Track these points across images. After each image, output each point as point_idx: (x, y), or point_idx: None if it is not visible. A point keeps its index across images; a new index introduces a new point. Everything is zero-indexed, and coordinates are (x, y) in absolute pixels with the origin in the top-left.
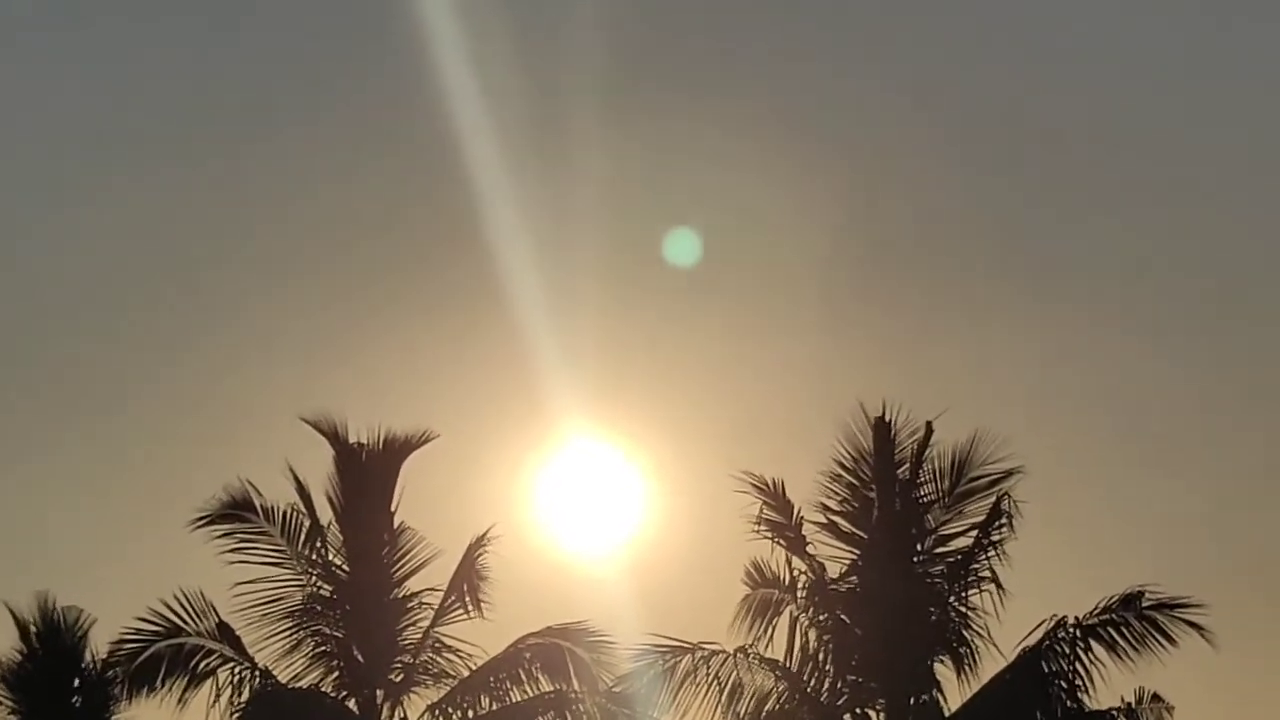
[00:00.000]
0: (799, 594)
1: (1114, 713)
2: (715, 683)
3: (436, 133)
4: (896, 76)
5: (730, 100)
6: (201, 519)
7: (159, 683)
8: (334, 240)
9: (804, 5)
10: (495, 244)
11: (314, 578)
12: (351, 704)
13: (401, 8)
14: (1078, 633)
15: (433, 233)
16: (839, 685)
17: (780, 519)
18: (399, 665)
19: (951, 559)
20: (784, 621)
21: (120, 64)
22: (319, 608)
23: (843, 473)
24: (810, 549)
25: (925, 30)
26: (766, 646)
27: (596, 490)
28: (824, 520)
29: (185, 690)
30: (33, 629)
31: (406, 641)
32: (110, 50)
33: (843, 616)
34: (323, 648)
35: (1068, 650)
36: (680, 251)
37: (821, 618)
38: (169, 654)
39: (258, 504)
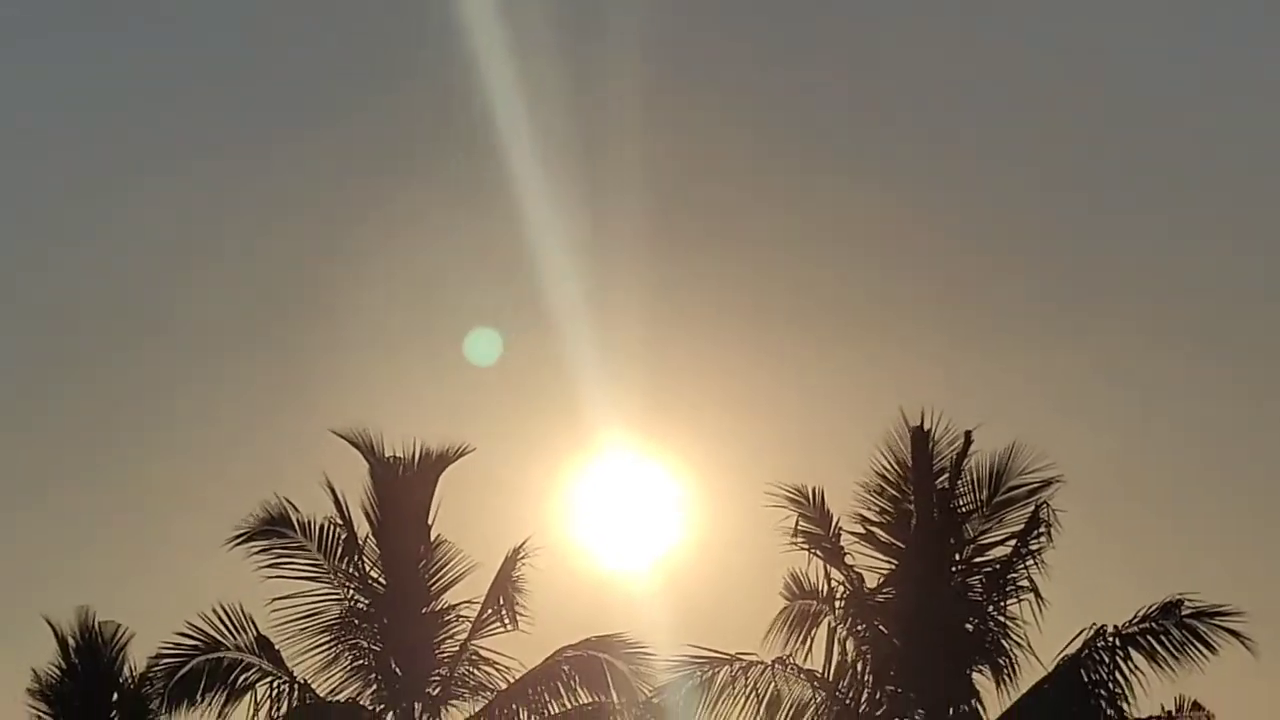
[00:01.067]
0: (837, 605)
1: None
2: (753, 694)
3: (476, 139)
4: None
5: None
6: (239, 536)
7: (198, 697)
8: (367, 249)
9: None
10: (533, 253)
11: (351, 591)
12: (390, 717)
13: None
14: (1117, 642)
15: (469, 243)
16: (878, 696)
17: (817, 530)
18: (437, 678)
19: (990, 569)
20: (822, 632)
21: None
22: (357, 621)
23: (881, 483)
24: (848, 559)
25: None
26: (805, 658)
27: (633, 501)
28: (862, 530)
29: (225, 704)
30: (71, 644)
31: (444, 654)
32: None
33: (881, 627)
34: (361, 661)
35: (1107, 659)
36: None
37: (860, 628)
38: (208, 668)
39: (295, 519)
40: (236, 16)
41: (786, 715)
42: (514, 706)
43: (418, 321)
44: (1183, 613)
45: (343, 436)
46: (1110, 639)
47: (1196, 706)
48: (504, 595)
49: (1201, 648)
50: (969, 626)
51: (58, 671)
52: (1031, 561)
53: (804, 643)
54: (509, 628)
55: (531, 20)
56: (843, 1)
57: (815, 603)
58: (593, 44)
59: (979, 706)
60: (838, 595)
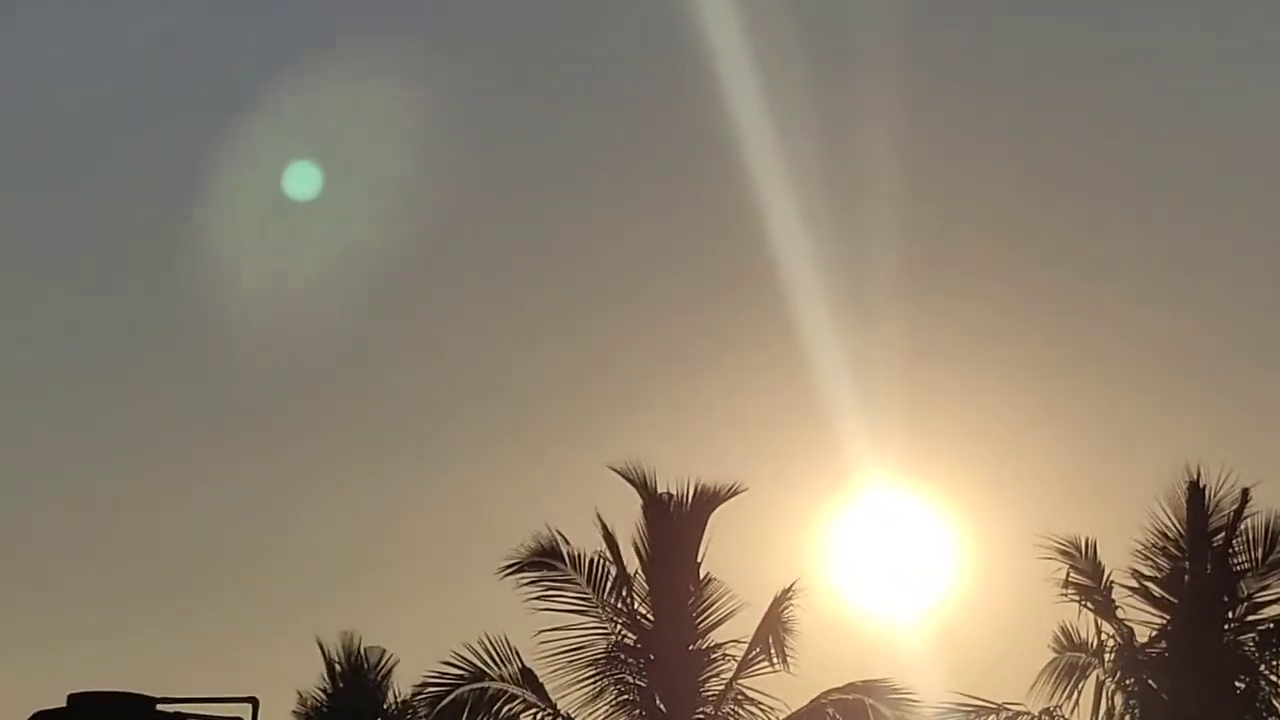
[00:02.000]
0: (1106, 658)
1: None
2: None
3: (735, 178)
4: None
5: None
6: (510, 566)
7: None
8: (640, 286)
9: None
10: (794, 293)
11: (619, 626)
12: None
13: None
14: None
15: (731, 278)
16: None
17: (1089, 582)
18: (701, 716)
19: (1263, 627)
20: (1090, 685)
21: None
22: (623, 656)
23: (1157, 537)
24: (1119, 613)
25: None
26: (1072, 711)
27: (900, 544)
28: (1135, 585)
29: None
30: (338, 667)
31: (709, 692)
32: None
33: (1150, 682)
34: (625, 696)
35: None
36: None
37: (1129, 683)
38: (472, 698)
39: (565, 552)
40: None
41: None
42: None
43: (687, 362)
44: None
45: (618, 471)
46: None
47: None
48: (774, 635)
49: None
50: (1239, 685)
51: (323, 695)
52: None
53: (1071, 695)
54: (778, 668)
55: (784, 56)
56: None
57: (1084, 655)
58: (852, 86)
59: None
60: (1107, 649)
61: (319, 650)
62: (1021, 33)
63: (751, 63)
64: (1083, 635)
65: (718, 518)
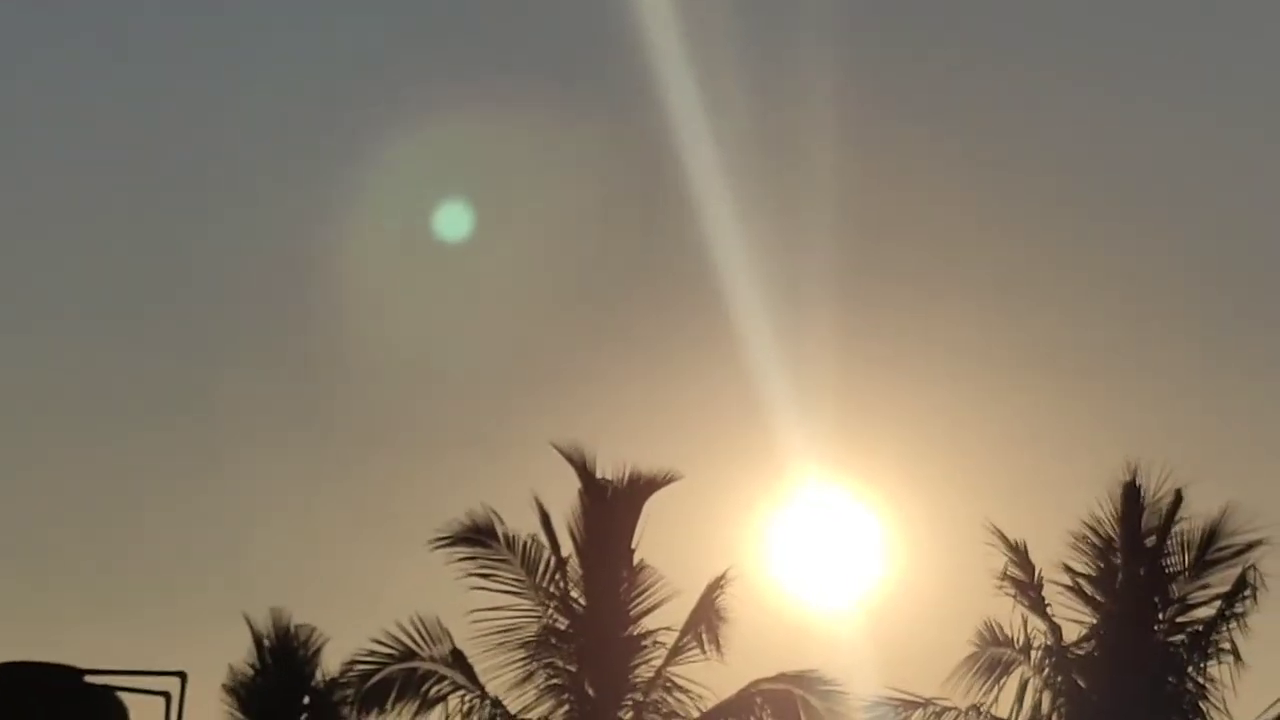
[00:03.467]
0: (1034, 654)
1: None
2: None
3: (671, 179)
4: None
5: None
6: (443, 540)
7: (389, 705)
8: (579, 273)
9: None
10: (730, 286)
11: (551, 609)
12: None
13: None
14: None
15: (670, 272)
16: None
17: (1023, 577)
18: (630, 702)
19: (1193, 629)
20: (1013, 682)
21: None
22: (554, 640)
23: (1090, 535)
24: (1049, 610)
25: None
26: (992, 705)
27: (832, 536)
28: (1069, 582)
29: (415, 715)
30: (267, 643)
31: (638, 679)
32: None
33: (1079, 681)
34: (555, 680)
35: None
36: None
37: (1057, 680)
38: (401, 677)
39: (499, 531)
40: None
41: None
42: None
43: (624, 351)
44: None
45: (559, 449)
46: None
47: None
48: (706, 624)
49: None
50: (1167, 686)
51: (251, 670)
52: (1235, 624)
53: (991, 691)
54: (710, 656)
55: (717, 36)
56: None
57: (1009, 651)
58: (786, 72)
59: None
60: (1034, 645)
61: (247, 626)
62: (962, 32)
63: (686, 53)
64: (1007, 631)
65: (653, 505)
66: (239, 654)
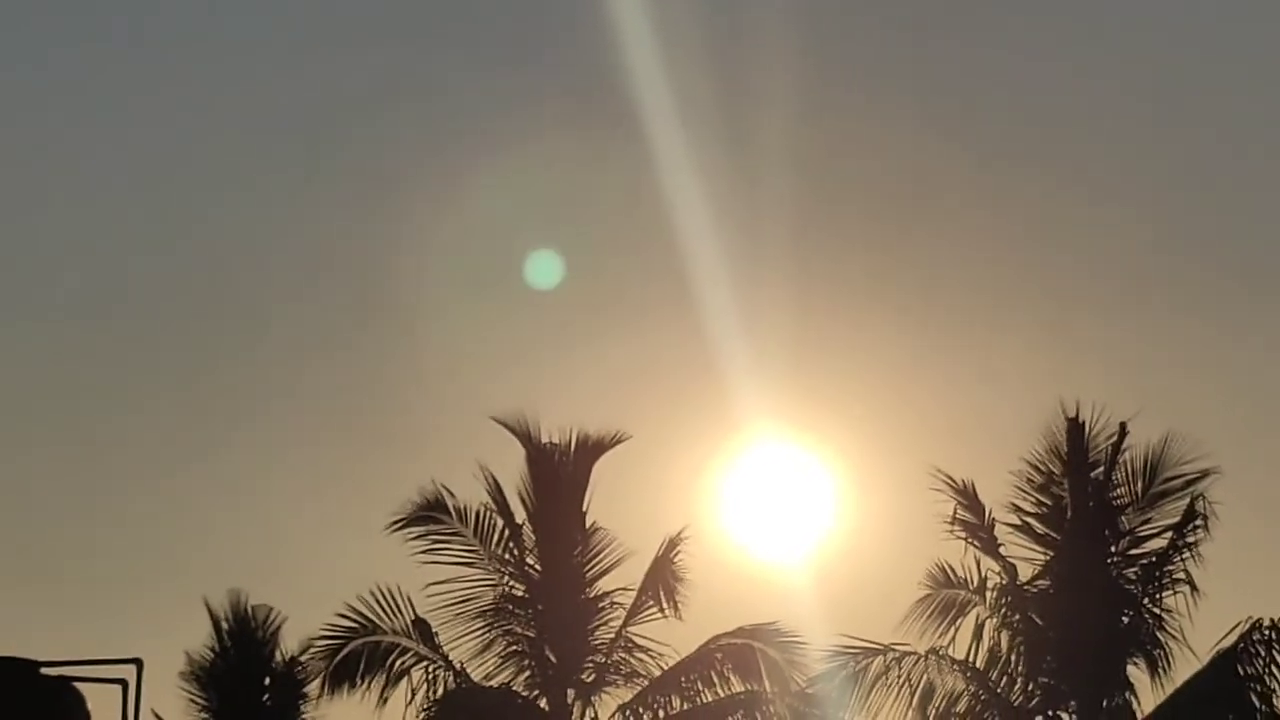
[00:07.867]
0: (988, 595)
1: None
2: (906, 684)
3: (628, 136)
4: None
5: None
6: (397, 522)
7: (358, 679)
8: (519, 240)
9: None
10: (683, 244)
11: (506, 577)
12: (543, 703)
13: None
14: (1274, 635)
15: (622, 235)
16: (1030, 687)
17: (974, 519)
18: (590, 665)
19: (1145, 561)
20: (968, 623)
21: None
22: (511, 607)
23: (1036, 474)
24: (1002, 550)
25: None
26: (948, 647)
27: (785, 490)
28: (1018, 521)
29: (385, 688)
30: (225, 626)
31: (598, 641)
32: None
33: (1035, 618)
34: (515, 647)
35: (1263, 653)
36: None
37: (1013, 619)
38: (366, 651)
39: (450, 505)
40: None
41: (939, 706)
42: (667, 694)
43: (571, 310)
44: None
45: (501, 423)
46: (1267, 632)
47: None
48: (664, 583)
49: None
50: (1124, 619)
51: (210, 654)
52: (1188, 554)
53: (948, 633)
54: (668, 615)
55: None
56: None
57: (964, 592)
58: (741, 25)
59: (1133, 699)
60: (989, 586)
61: (205, 610)
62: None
63: (647, 13)
64: (961, 572)
65: (605, 467)
66: (195, 639)
